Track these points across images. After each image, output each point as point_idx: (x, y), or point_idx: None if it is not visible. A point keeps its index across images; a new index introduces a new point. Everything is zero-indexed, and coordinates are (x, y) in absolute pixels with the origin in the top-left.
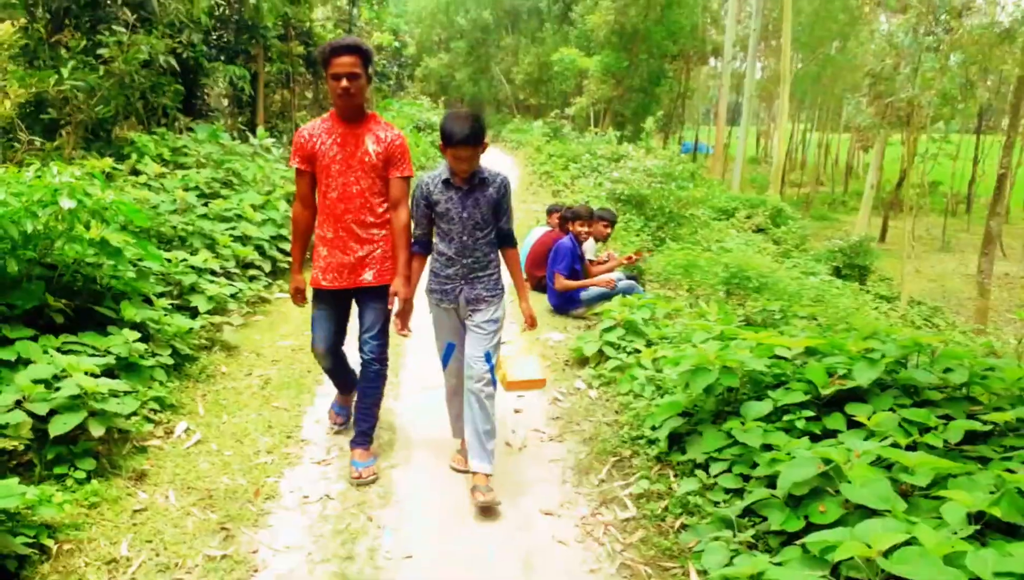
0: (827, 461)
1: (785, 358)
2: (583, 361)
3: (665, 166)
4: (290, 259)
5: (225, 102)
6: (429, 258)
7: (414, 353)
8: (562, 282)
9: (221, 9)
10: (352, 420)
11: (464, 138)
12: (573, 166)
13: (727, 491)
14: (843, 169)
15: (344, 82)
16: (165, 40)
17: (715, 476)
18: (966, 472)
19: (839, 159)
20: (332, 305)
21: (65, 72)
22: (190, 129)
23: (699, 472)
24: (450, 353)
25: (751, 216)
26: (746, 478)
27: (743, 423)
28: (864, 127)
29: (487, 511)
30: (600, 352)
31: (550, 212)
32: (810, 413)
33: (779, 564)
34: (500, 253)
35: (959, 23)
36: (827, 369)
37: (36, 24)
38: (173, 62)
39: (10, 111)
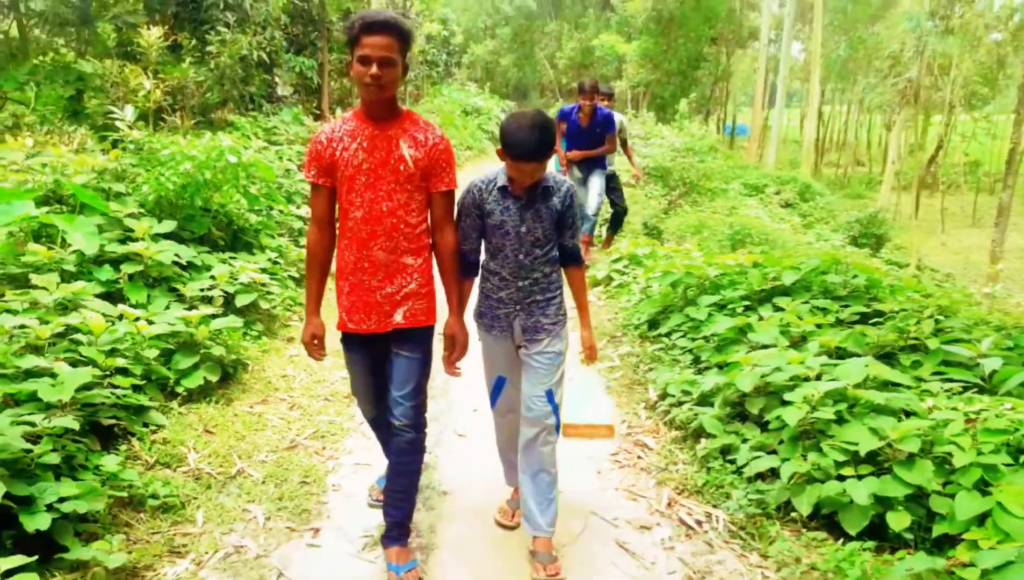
0: (747, 325)
1: (739, 271)
2: (595, 284)
3: (688, 142)
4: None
5: (290, 90)
6: (478, 277)
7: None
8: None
9: (293, 5)
10: (382, 506)
11: (530, 152)
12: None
13: (681, 349)
14: (882, 149)
15: (375, 68)
16: (257, 37)
17: (675, 341)
18: (831, 326)
19: (881, 139)
20: (365, 352)
21: (186, 67)
22: (274, 114)
23: (664, 339)
24: (500, 388)
25: (780, 192)
26: (695, 341)
27: (698, 309)
28: (875, 106)
29: None
30: (608, 277)
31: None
32: (747, 303)
33: (702, 378)
34: (563, 272)
35: (969, 7)
36: (763, 274)
37: (157, 27)
38: (264, 56)
39: (160, 97)
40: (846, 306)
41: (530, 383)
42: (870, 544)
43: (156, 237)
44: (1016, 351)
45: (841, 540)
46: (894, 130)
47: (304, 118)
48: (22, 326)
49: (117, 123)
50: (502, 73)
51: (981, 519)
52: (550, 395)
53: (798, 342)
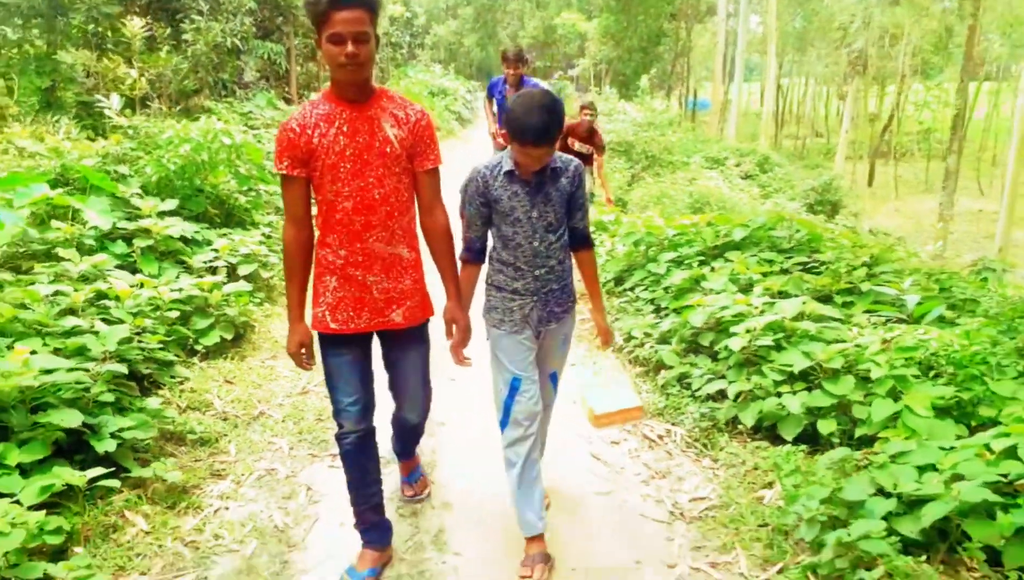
0: (701, 276)
1: (695, 231)
2: None
3: (649, 117)
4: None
5: (257, 76)
6: (487, 269)
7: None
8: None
9: None
10: (392, 440)
11: (538, 137)
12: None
13: (644, 301)
14: (839, 120)
15: (350, 46)
16: (230, 24)
17: (638, 294)
18: (777, 274)
19: (839, 110)
20: (348, 351)
21: (165, 55)
22: (248, 99)
23: (629, 293)
24: (515, 392)
25: (739, 164)
26: (655, 292)
27: (658, 264)
28: (828, 76)
29: None
30: None
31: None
32: (702, 258)
33: (661, 321)
34: (574, 256)
35: None
36: (715, 232)
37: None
38: (238, 43)
39: (145, 86)
40: (790, 257)
41: (538, 370)
42: (803, 447)
43: (161, 214)
44: (943, 294)
45: (781, 447)
46: (847, 100)
47: (277, 102)
48: (57, 292)
49: (106, 111)
50: (465, 53)
51: (894, 423)
52: (554, 377)
53: (746, 288)
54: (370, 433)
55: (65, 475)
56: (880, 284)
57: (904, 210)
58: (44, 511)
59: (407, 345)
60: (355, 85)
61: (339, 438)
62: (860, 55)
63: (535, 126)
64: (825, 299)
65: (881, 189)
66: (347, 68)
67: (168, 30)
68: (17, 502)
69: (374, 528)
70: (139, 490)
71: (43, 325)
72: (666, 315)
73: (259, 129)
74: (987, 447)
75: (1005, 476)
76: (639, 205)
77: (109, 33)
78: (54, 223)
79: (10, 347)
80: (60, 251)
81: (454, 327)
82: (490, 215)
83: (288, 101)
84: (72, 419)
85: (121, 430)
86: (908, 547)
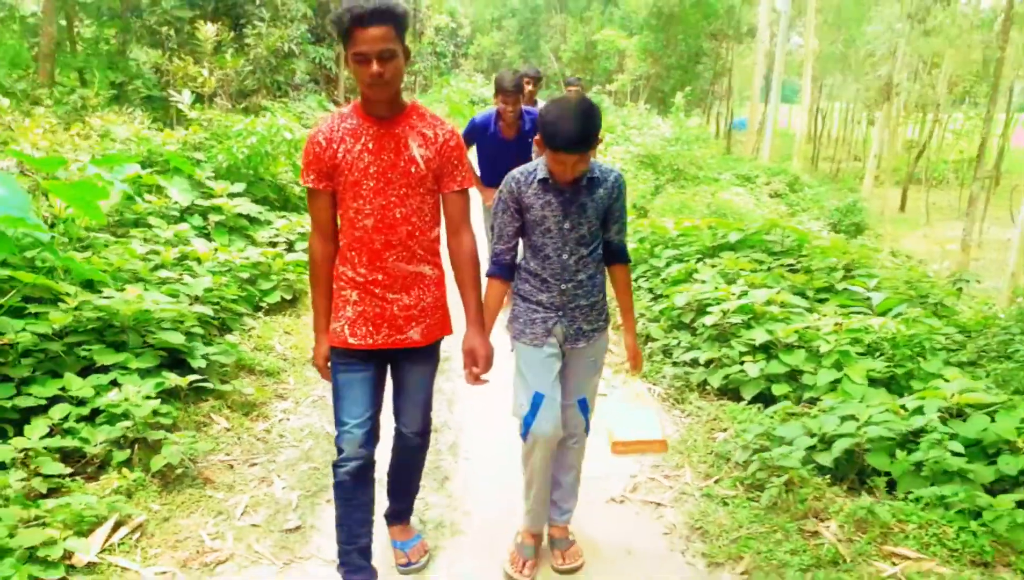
0: (694, 269)
1: (697, 232)
2: None
3: (677, 132)
4: None
5: (307, 79)
6: (515, 280)
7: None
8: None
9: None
10: (387, 495)
11: (571, 143)
12: (608, 136)
13: (644, 290)
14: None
15: (375, 66)
16: (288, 30)
17: (639, 284)
18: (762, 270)
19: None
20: (363, 368)
21: (231, 57)
22: (300, 100)
23: (633, 283)
24: (537, 408)
25: (769, 182)
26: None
27: (659, 259)
28: (858, 101)
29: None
30: None
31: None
32: (699, 256)
33: (659, 303)
34: (607, 271)
35: (945, 9)
36: (714, 234)
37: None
38: (293, 48)
39: (214, 84)
40: (778, 259)
41: (564, 392)
42: (759, 405)
43: (231, 195)
44: (920, 300)
45: (740, 404)
46: (876, 125)
47: (327, 104)
48: (151, 251)
49: (179, 105)
50: (508, 64)
51: (835, 389)
52: (583, 404)
53: (732, 281)
54: (370, 465)
55: (172, 378)
56: (855, 285)
57: (932, 236)
58: (158, 401)
59: (419, 362)
60: (383, 102)
61: (336, 466)
62: (888, 82)
63: (569, 132)
64: (801, 295)
65: (913, 215)
66: (374, 87)
67: (231, 34)
68: (138, 393)
69: (358, 573)
70: (221, 400)
71: (142, 275)
72: (660, 301)
73: (310, 128)
74: (903, 407)
75: (910, 427)
76: (659, 212)
77: (173, 33)
78: (145, 196)
79: (121, 289)
80: (151, 220)
81: (473, 356)
82: (522, 225)
83: (336, 104)
84: (175, 338)
85: (208, 354)
86: (825, 476)
